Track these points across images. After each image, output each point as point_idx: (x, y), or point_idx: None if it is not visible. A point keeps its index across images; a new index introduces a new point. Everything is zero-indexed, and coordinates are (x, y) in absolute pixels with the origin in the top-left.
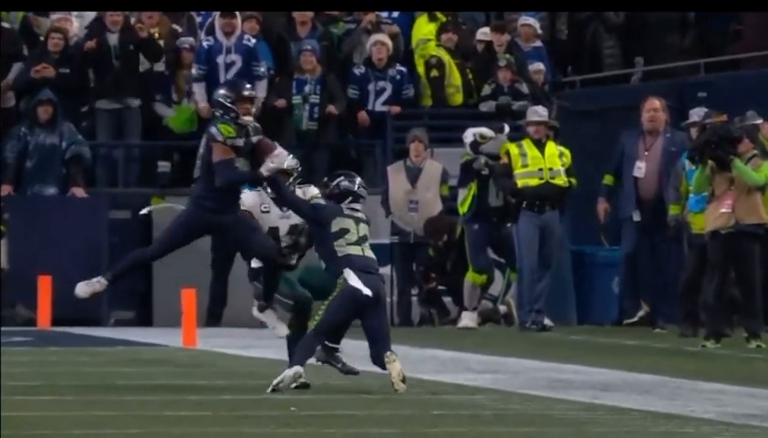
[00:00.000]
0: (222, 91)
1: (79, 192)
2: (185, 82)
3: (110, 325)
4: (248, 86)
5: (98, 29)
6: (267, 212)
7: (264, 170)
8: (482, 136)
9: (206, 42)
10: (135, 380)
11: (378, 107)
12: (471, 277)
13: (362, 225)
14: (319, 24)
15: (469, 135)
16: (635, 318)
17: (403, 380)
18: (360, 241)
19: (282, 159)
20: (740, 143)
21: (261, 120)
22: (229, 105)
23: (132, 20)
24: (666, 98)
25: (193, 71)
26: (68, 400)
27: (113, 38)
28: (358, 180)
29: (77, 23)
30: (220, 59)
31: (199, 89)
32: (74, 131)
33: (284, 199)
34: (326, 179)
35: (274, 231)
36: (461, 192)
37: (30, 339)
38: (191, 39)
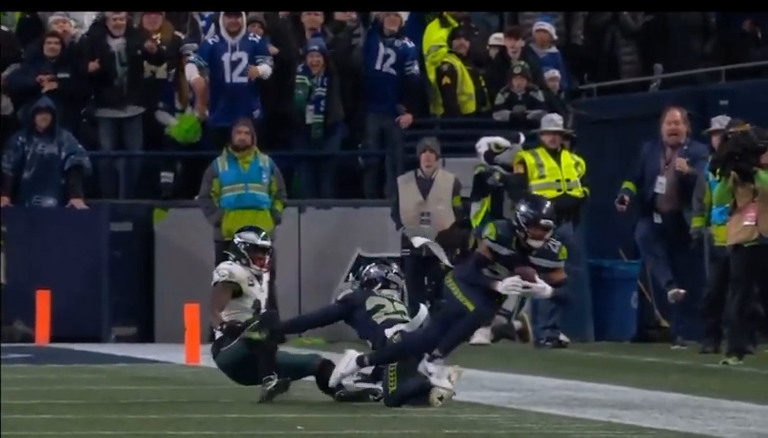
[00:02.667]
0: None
1: (79, 203)
2: (189, 90)
3: (111, 341)
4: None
5: (99, 34)
6: (252, 285)
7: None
8: (498, 146)
9: (211, 39)
10: (137, 398)
11: (387, 68)
12: None
13: (397, 304)
14: (329, 30)
15: (483, 145)
16: (675, 290)
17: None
18: (399, 314)
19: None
20: (763, 154)
21: (268, 124)
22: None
23: (135, 25)
24: (686, 106)
25: (192, 58)
26: (68, 418)
27: (116, 43)
28: (392, 267)
29: (75, 22)
30: (225, 57)
31: (190, 67)
32: (74, 141)
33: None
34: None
35: (256, 304)
36: (474, 206)
37: (28, 356)
38: (194, 45)
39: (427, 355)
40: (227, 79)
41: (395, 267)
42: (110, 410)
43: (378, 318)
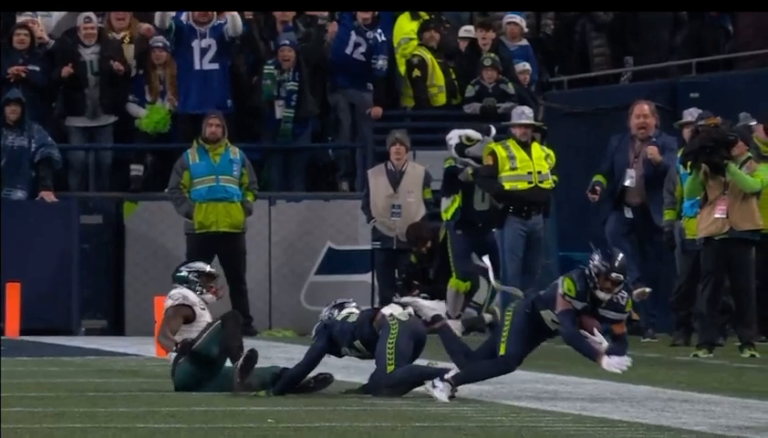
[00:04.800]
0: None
1: (49, 196)
2: (159, 82)
3: (81, 334)
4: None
5: (71, 42)
6: (204, 309)
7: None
8: (469, 138)
9: (184, 19)
10: (106, 391)
11: (357, 55)
12: (454, 284)
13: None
14: (300, 24)
15: (454, 137)
16: (640, 290)
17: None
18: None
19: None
20: (734, 147)
21: (238, 117)
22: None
23: (102, 21)
24: (657, 98)
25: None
26: (37, 411)
27: (87, 52)
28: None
29: (43, 23)
30: (195, 44)
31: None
32: (44, 133)
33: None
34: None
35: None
36: (445, 201)
37: None
38: (162, 38)
39: (441, 377)
40: (197, 66)
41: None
42: (80, 402)
43: (353, 318)
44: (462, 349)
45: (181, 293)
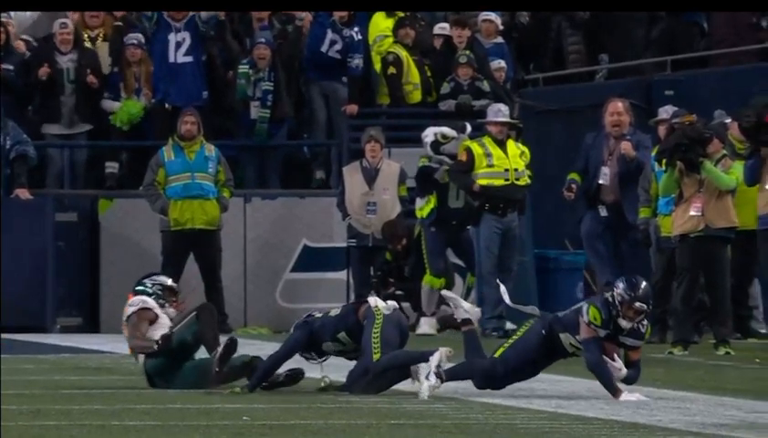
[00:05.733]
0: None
1: (24, 193)
2: (134, 80)
3: (56, 331)
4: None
5: (48, 48)
6: (165, 314)
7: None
8: (444, 136)
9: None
10: (81, 388)
11: (332, 53)
12: (428, 281)
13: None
14: (276, 21)
15: (429, 134)
16: None
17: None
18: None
19: (618, 375)
20: (709, 144)
21: (213, 114)
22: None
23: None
24: (632, 96)
25: None
26: (12, 409)
27: (64, 60)
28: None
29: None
30: (171, 37)
31: None
32: (18, 130)
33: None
34: None
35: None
36: (420, 201)
37: None
38: (138, 35)
39: (435, 369)
40: (171, 59)
41: None
42: (55, 400)
43: (334, 312)
44: (479, 355)
45: (140, 298)
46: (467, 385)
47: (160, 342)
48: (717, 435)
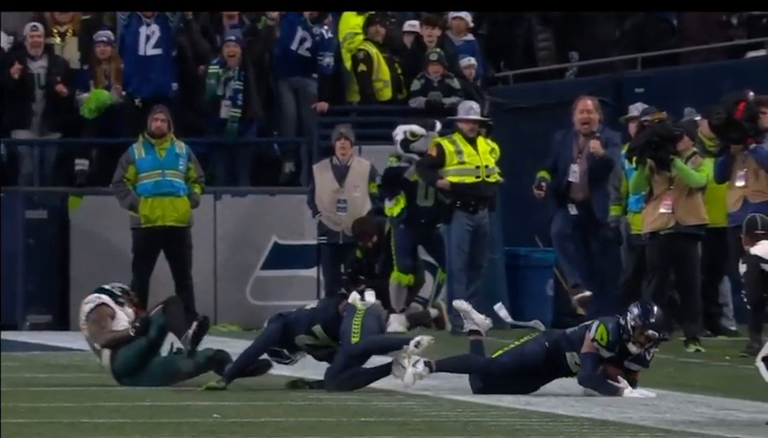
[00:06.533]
0: None
1: None
2: (104, 77)
3: (26, 329)
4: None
5: (19, 54)
6: (122, 310)
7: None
8: (413, 134)
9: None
10: (50, 386)
11: (302, 51)
12: (396, 277)
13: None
14: (246, 19)
15: (399, 133)
16: (581, 295)
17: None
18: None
19: None
20: (680, 142)
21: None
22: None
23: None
24: (602, 93)
25: None
26: None
27: (36, 66)
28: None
29: None
30: (141, 30)
31: None
32: None
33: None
34: None
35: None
36: (389, 202)
37: None
38: (108, 33)
39: (424, 360)
40: (141, 52)
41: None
42: (24, 397)
43: (310, 306)
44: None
45: (96, 295)
46: (437, 382)
47: (137, 325)
48: (687, 433)
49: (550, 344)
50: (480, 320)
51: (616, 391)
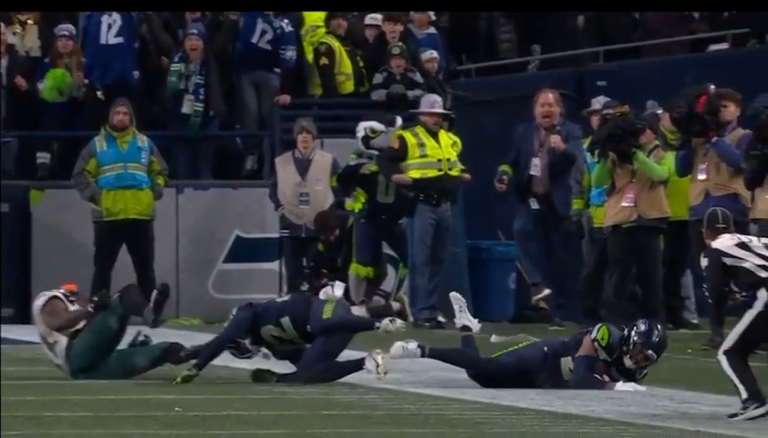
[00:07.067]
0: None
1: None
2: (66, 69)
3: None
4: None
5: None
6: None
7: None
8: (373, 130)
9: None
10: (13, 379)
11: (263, 44)
12: (354, 270)
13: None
14: (209, 12)
15: (360, 129)
16: (540, 295)
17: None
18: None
19: None
20: (642, 135)
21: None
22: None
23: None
24: (565, 86)
25: None
26: None
27: None
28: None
29: None
30: (103, 19)
31: None
32: None
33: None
34: None
35: None
36: (349, 200)
37: None
38: (69, 26)
39: (419, 343)
40: (102, 41)
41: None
42: None
43: (282, 298)
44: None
45: (44, 292)
46: (400, 375)
47: (96, 299)
48: (649, 426)
49: (549, 349)
50: (474, 323)
51: (607, 386)
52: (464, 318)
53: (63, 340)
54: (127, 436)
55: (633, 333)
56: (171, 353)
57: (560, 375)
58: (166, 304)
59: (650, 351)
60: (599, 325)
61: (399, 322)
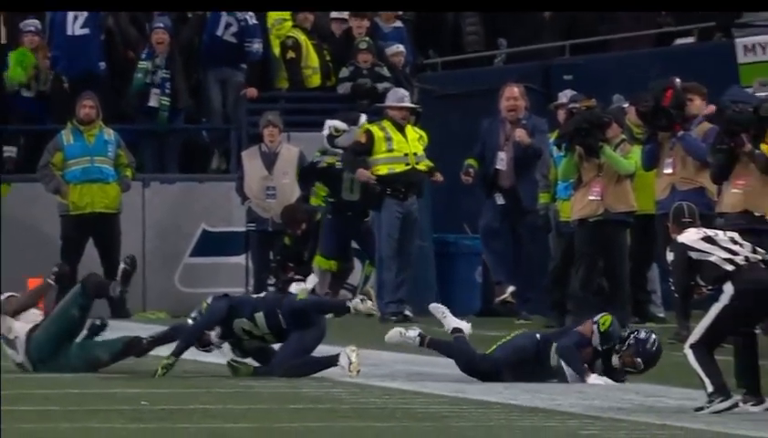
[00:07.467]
0: None
1: None
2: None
3: None
4: None
5: None
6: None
7: None
8: (336, 129)
9: None
10: None
11: (228, 37)
12: (317, 261)
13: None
14: None
15: (326, 127)
16: (505, 295)
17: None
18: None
19: None
20: (608, 129)
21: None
22: None
23: None
24: (531, 80)
25: None
26: None
27: None
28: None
29: None
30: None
31: None
32: None
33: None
34: None
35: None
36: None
37: None
38: (35, 22)
39: (420, 331)
40: (69, 32)
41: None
42: None
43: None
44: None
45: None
46: (366, 369)
47: (56, 269)
48: (615, 419)
49: (541, 336)
50: (462, 324)
51: (582, 374)
52: (452, 322)
53: (22, 335)
54: (93, 430)
55: (632, 336)
56: (134, 346)
57: (548, 359)
58: (133, 276)
59: (639, 359)
60: (603, 314)
61: (369, 303)
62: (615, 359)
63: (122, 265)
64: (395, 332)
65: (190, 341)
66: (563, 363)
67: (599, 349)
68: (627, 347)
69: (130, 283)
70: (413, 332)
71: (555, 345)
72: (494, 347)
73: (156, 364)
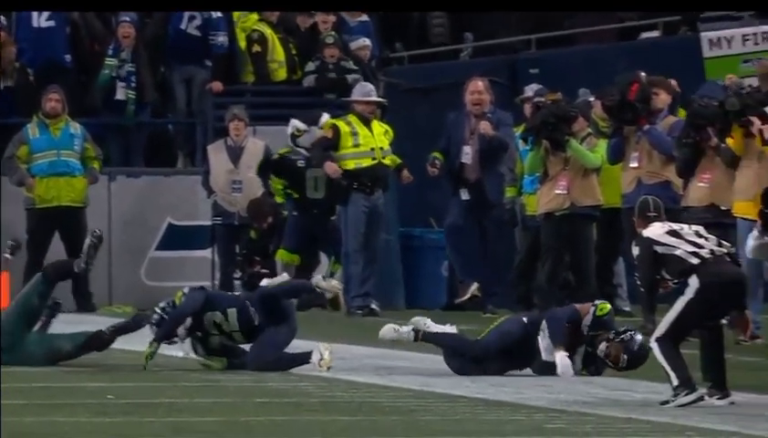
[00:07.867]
0: None
1: None
2: (7, 64)
3: None
4: None
5: None
6: None
7: None
8: (298, 129)
9: None
10: None
11: (191, 30)
12: (280, 255)
13: None
14: None
15: (290, 127)
16: (467, 295)
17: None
18: None
19: None
20: (575, 123)
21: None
22: None
23: None
24: (497, 74)
25: None
26: None
27: None
28: None
29: None
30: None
31: None
32: None
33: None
34: None
35: None
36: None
37: None
38: (0, 16)
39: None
40: (35, 24)
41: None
42: None
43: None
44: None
45: None
46: (335, 363)
47: (12, 243)
48: (581, 413)
49: (528, 319)
50: (448, 328)
51: (556, 345)
52: (437, 329)
53: None
54: (59, 424)
55: (629, 333)
56: (97, 340)
57: (533, 345)
58: (99, 250)
59: (626, 356)
60: (605, 301)
61: (334, 281)
62: (602, 346)
63: (88, 239)
64: (389, 329)
65: (171, 327)
66: (539, 337)
67: (585, 332)
68: (620, 339)
69: (96, 257)
70: (407, 328)
71: (542, 325)
72: (487, 331)
73: (121, 358)
